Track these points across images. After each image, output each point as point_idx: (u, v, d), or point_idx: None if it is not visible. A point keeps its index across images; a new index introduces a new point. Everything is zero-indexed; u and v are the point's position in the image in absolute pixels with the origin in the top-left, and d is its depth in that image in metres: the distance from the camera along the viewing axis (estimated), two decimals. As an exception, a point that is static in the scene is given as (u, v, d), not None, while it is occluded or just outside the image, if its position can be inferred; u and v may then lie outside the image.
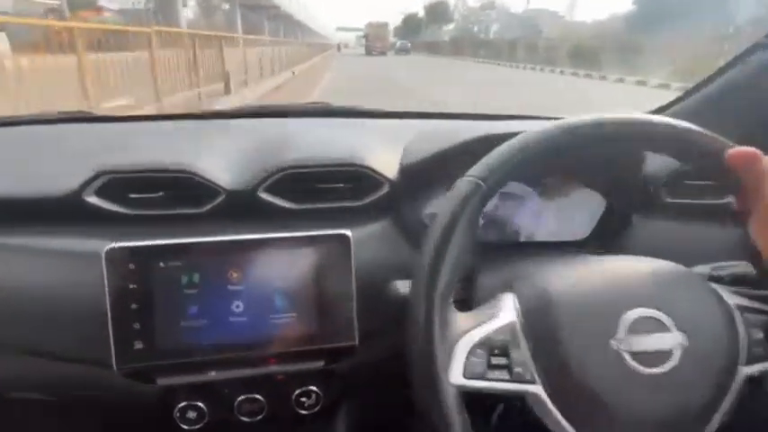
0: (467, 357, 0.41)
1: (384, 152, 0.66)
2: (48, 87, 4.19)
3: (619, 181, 0.68)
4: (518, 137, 0.45)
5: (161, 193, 0.60)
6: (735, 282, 0.47)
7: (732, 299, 0.45)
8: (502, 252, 0.62)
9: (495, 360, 0.42)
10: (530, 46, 23.52)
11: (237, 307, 0.54)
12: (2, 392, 0.60)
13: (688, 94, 0.77)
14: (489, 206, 0.60)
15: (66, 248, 0.57)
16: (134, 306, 0.51)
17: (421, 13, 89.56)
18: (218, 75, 7.98)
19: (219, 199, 0.60)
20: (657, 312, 0.42)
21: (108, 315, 0.51)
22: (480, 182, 0.44)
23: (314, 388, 0.59)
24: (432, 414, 0.41)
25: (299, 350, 0.56)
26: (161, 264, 0.52)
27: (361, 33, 62.05)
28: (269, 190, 0.61)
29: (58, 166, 0.62)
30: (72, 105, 4.24)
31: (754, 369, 0.42)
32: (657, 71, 12.11)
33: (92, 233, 0.57)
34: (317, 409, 0.60)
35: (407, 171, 0.64)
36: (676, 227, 0.67)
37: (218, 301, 0.53)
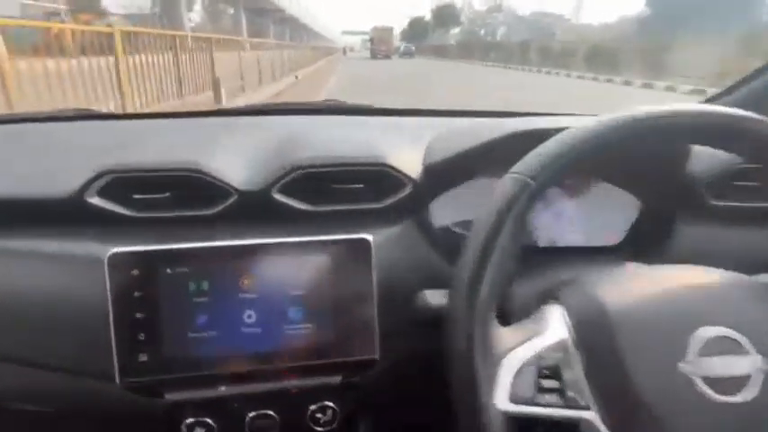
0: (513, 378, 0.38)
1: (405, 150, 0.62)
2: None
3: (658, 181, 0.63)
4: (568, 131, 0.42)
5: (167, 194, 0.56)
6: None
7: None
8: (529, 258, 0.54)
9: (545, 382, 0.38)
10: (543, 49, 22.67)
11: (249, 317, 0.50)
12: None
13: (732, 88, 0.74)
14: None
15: (66, 252, 0.54)
16: (139, 315, 0.48)
17: (428, 17, 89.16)
18: (209, 82, 7.31)
19: (231, 200, 0.56)
20: (732, 332, 0.38)
21: (111, 325, 0.48)
22: (529, 179, 0.40)
23: (330, 403, 0.55)
24: None
25: (315, 364, 0.52)
26: (167, 270, 0.49)
27: (367, 37, 62.02)
28: (283, 190, 0.57)
29: (58, 166, 0.58)
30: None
31: None
32: (684, 75, 11.39)
33: (94, 236, 0.54)
34: (333, 426, 0.56)
35: (432, 170, 0.60)
36: (723, 232, 0.62)
37: (228, 311, 0.50)
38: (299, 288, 0.51)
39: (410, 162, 0.60)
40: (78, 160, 0.57)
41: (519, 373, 0.38)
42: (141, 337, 0.48)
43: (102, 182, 0.54)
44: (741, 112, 0.42)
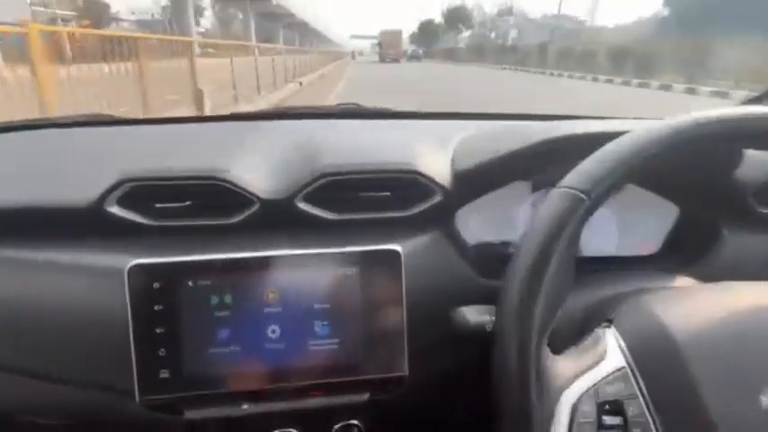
0: (571, 414, 0.35)
1: (433, 156, 0.59)
2: None
3: (700, 187, 0.59)
4: (622, 139, 0.40)
5: (188, 203, 0.55)
6: None
7: None
8: None
9: (607, 419, 0.35)
10: (564, 51, 21.57)
11: (273, 332, 0.48)
12: (11, 415, 0.56)
13: None
14: (524, 211, 0.59)
15: (84, 264, 0.52)
16: (159, 330, 0.46)
17: (438, 19, 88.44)
18: (189, 94, 6.04)
19: (253, 209, 0.54)
20: None
21: (131, 340, 0.46)
22: (582, 195, 0.37)
23: (356, 422, 0.53)
24: None
25: (341, 381, 0.49)
26: (189, 283, 0.47)
27: (376, 41, 61.81)
28: (308, 199, 0.55)
29: (77, 174, 0.57)
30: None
31: None
32: (724, 78, 10.41)
33: (113, 247, 0.53)
34: None
35: (462, 177, 0.57)
36: None
37: (252, 325, 0.48)
38: (326, 301, 0.49)
39: (439, 168, 0.57)
40: (96, 167, 0.56)
41: (577, 407, 0.35)
42: (162, 352, 0.46)
43: (122, 190, 0.53)
44: None
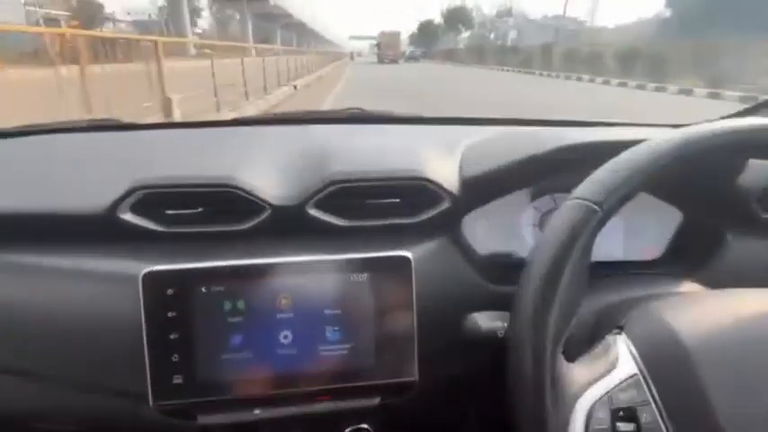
0: (586, 421, 0.35)
1: (440, 162, 0.60)
2: None
3: (704, 192, 0.60)
4: (636, 149, 0.39)
5: (200, 209, 0.55)
6: None
7: None
8: None
9: (621, 426, 0.35)
10: (569, 52, 20.97)
11: (286, 337, 0.49)
12: (26, 422, 0.56)
13: None
14: (527, 217, 0.59)
15: (98, 270, 0.53)
16: (173, 336, 0.47)
17: (437, 20, 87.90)
18: (157, 103, 5.30)
19: (264, 215, 0.55)
20: None
21: (144, 346, 0.47)
22: (595, 207, 0.38)
23: (366, 426, 0.54)
24: None
25: (352, 386, 0.50)
26: (202, 289, 0.48)
27: (375, 42, 61.43)
28: (318, 205, 0.56)
29: (89, 180, 0.58)
30: None
31: None
32: (741, 81, 9.91)
33: (126, 254, 0.53)
34: None
35: (470, 183, 0.58)
36: None
37: (264, 331, 0.49)
38: (337, 307, 0.50)
39: (447, 175, 0.58)
40: (108, 174, 0.56)
41: (591, 414, 0.35)
42: (175, 358, 0.47)
43: (134, 197, 0.53)
44: None
